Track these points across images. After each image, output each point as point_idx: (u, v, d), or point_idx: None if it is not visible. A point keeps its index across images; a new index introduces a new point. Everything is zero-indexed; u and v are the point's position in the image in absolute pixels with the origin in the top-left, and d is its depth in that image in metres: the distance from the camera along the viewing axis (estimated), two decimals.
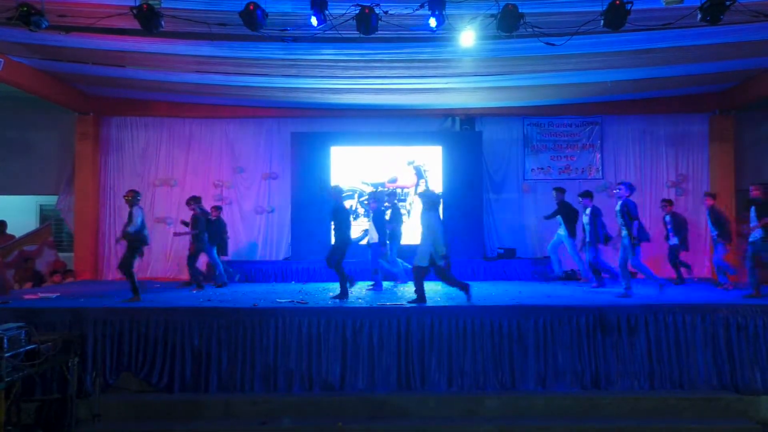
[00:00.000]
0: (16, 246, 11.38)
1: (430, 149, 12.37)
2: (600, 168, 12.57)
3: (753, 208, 8.12)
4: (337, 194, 8.70)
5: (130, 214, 8.24)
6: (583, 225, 9.77)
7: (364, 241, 9.85)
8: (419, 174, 12.28)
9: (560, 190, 10.36)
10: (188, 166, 12.58)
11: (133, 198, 8.33)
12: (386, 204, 10.12)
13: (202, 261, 10.41)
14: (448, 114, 12.65)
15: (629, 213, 8.09)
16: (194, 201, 10.02)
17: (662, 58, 9.19)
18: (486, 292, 9.17)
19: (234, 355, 7.00)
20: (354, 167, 12.28)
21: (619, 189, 8.38)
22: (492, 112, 12.56)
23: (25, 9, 6.64)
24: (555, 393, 6.81)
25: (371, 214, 9.70)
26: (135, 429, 6.43)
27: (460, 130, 12.69)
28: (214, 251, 10.22)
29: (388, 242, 9.79)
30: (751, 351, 6.93)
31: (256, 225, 12.61)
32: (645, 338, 7.01)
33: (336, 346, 6.98)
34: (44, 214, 13.09)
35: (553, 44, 7.58)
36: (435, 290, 9.36)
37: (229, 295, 8.93)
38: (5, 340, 5.06)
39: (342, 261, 8.29)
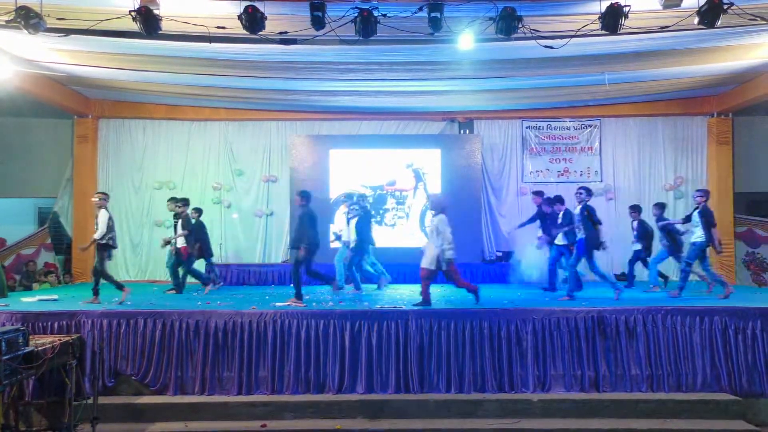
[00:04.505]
0: (15, 250, 11.43)
1: (429, 152, 12.39)
2: (598, 170, 12.59)
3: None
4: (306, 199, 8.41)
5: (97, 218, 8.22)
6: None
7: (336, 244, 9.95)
8: (418, 177, 12.30)
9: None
10: (187, 168, 12.58)
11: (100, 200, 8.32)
12: (355, 207, 10.03)
13: None
14: (446, 117, 12.67)
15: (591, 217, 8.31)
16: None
17: (660, 60, 9.22)
18: (485, 294, 9.16)
19: (232, 358, 6.99)
20: (353, 170, 12.29)
21: (580, 193, 8.55)
22: (491, 115, 12.61)
23: (24, 11, 6.63)
24: (554, 395, 6.80)
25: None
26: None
27: (459, 133, 12.70)
28: None
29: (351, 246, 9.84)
30: (750, 353, 6.93)
31: (255, 228, 12.60)
32: (644, 341, 7.02)
33: (335, 349, 6.98)
34: (42, 217, 13.09)
35: (551, 47, 7.60)
36: (434, 293, 9.37)
37: (228, 297, 8.92)
38: (3, 343, 5.03)
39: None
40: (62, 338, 6.20)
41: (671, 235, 9.55)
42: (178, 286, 9.76)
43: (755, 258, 12.32)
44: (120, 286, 8.34)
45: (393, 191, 12.27)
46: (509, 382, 6.93)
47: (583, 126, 12.65)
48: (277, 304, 7.88)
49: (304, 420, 6.57)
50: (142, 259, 12.44)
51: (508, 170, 12.73)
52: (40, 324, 6.99)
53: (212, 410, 6.65)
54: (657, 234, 9.91)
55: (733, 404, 6.64)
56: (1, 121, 12.31)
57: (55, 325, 7.01)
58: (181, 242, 9.71)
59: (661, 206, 9.94)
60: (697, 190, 8.78)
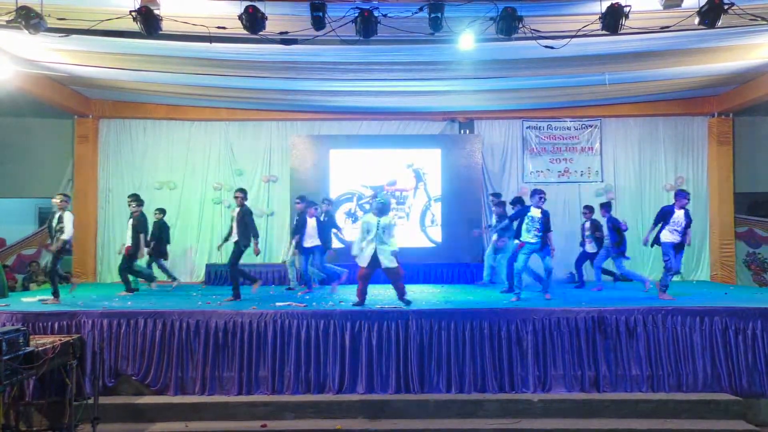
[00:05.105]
0: (15, 250, 11.44)
1: (429, 152, 12.38)
2: (599, 171, 12.59)
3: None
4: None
5: (61, 218, 8.13)
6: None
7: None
8: (418, 177, 12.30)
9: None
10: (187, 168, 12.57)
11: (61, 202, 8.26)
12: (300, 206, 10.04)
13: None
14: (447, 117, 12.67)
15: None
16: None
17: (661, 61, 9.22)
18: (485, 294, 9.17)
19: (232, 358, 7.00)
20: (353, 170, 12.28)
21: (541, 198, 8.54)
22: (491, 115, 12.60)
23: (24, 11, 6.63)
24: (554, 395, 6.80)
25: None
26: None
27: (459, 133, 12.70)
28: None
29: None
30: (750, 353, 6.93)
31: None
32: (644, 341, 7.02)
33: (335, 349, 6.98)
34: (42, 217, 13.09)
35: (551, 47, 7.59)
36: (434, 293, 9.39)
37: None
38: (4, 343, 5.03)
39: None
40: (63, 338, 6.21)
41: (619, 233, 9.59)
42: (149, 276, 10.24)
43: (756, 258, 12.33)
44: (56, 293, 8.23)
45: (393, 191, 12.26)
46: (510, 382, 6.93)
47: (583, 126, 12.64)
48: (278, 303, 7.89)
49: (304, 420, 6.57)
50: (142, 259, 12.40)
51: (509, 170, 12.71)
52: (41, 324, 7.00)
53: (213, 410, 6.66)
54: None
55: (733, 404, 6.64)
56: (1, 121, 12.30)
57: (56, 325, 7.01)
58: (128, 242, 9.85)
59: (607, 206, 10.05)
60: (683, 191, 8.57)
